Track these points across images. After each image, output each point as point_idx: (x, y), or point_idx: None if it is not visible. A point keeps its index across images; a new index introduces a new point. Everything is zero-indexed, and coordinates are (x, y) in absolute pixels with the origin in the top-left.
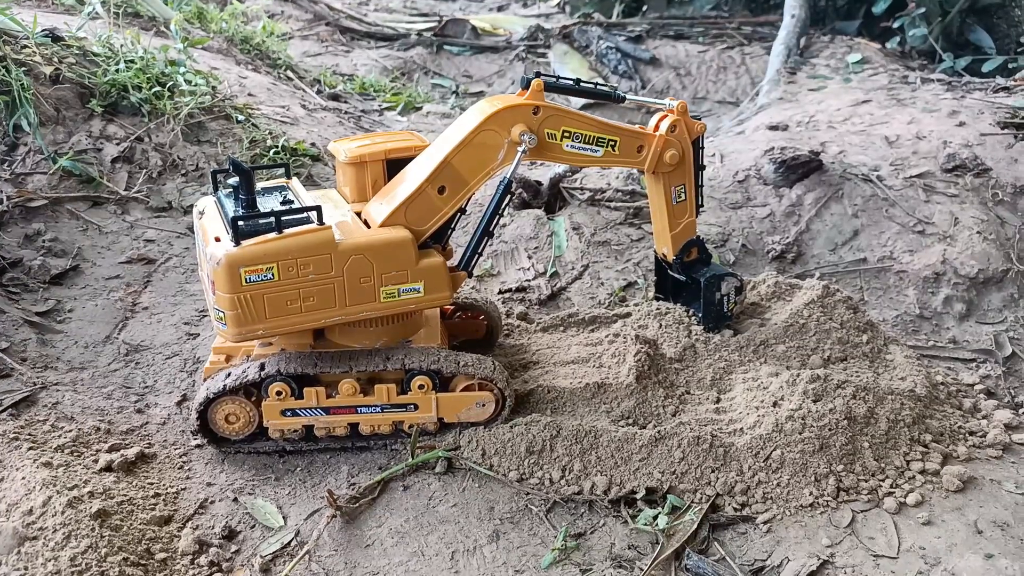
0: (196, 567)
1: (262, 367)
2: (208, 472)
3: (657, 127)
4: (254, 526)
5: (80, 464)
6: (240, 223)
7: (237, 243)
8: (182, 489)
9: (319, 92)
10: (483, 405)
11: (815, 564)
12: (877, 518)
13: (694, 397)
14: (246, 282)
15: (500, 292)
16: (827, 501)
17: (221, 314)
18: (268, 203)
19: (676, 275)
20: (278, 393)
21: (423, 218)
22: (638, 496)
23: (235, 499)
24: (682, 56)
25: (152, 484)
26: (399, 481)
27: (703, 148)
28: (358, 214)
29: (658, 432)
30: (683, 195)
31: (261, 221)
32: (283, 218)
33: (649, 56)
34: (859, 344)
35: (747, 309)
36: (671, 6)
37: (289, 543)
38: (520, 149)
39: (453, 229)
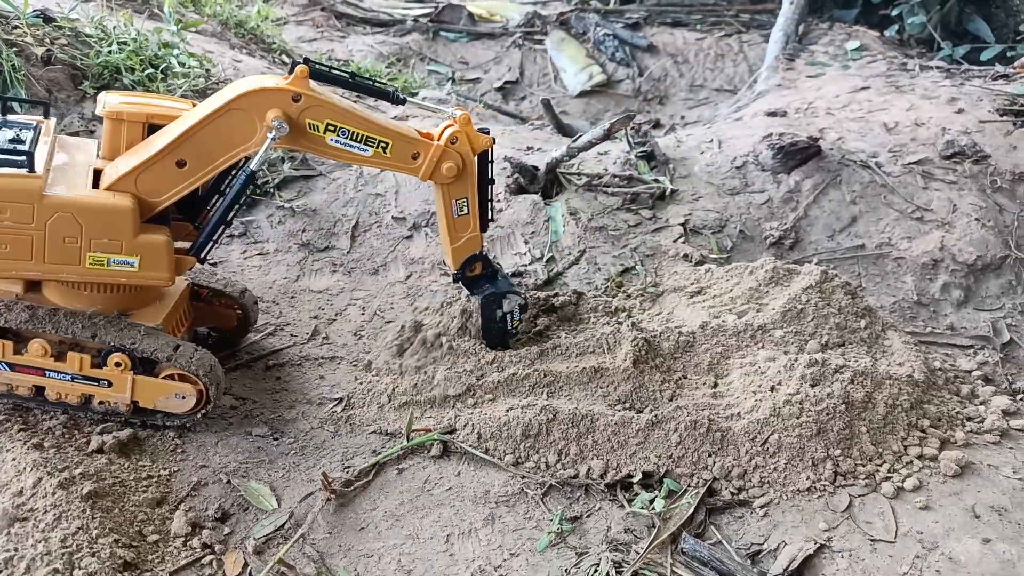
0: (189, 549)
1: None
2: (201, 454)
3: (440, 136)
4: (247, 508)
5: (71, 446)
6: None
7: None
8: (175, 471)
9: None
10: (183, 398)
11: (812, 548)
12: (874, 503)
13: (691, 382)
14: None
15: None
16: (824, 485)
17: None
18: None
19: (467, 288)
20: None
21: (157, 190)
22: (634, 480)
23: (228, 481)
24: (680, 43)
25: (144, 466)
26: (394, 464)
27: (492, 162)
28: (99, 172)
29: (655, 416)
30: (465, 209)
31: None
32: None
33: (647, 43)
34: (857, 329)
35: (745, 294)
36: None
37: (283, 525)
38: (270, 135)
39: (209, 210)
